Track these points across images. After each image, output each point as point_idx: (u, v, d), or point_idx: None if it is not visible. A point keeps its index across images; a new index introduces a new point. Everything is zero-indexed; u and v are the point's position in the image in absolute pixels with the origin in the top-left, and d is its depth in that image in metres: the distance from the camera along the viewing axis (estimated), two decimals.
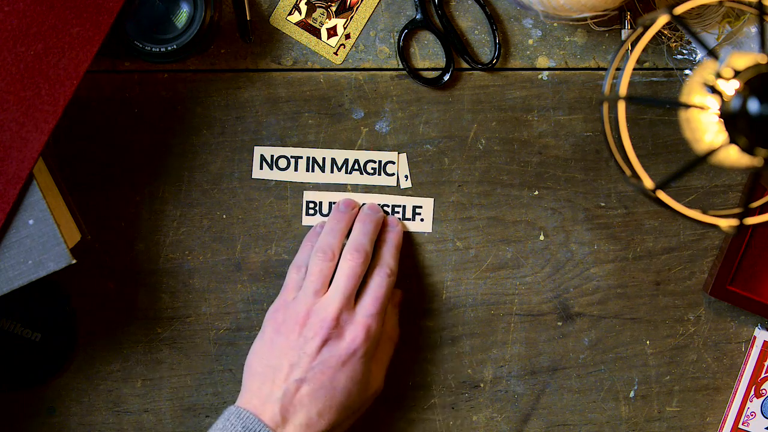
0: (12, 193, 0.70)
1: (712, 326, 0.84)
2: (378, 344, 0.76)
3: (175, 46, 0.74)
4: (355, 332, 0.74)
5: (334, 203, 0.81)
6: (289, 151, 0.80)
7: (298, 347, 0.73)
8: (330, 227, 0.78)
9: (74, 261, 0.70)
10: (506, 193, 0.82)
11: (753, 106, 0.57)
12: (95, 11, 0.70)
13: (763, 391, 0.83)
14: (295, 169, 0.81)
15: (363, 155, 0.81)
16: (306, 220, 0.81)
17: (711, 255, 0.83)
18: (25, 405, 0.82)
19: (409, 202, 0.81)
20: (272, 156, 0.80)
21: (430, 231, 0.82)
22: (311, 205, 0.81)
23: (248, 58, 0.80)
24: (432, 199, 0.81)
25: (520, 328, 0.83)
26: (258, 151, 0.80)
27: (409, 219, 0.82)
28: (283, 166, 0.81)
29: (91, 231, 0.80)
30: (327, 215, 0.81)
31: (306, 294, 0.75)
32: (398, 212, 0.81)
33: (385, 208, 0.81)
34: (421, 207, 0.81)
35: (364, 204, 0.81)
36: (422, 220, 0.82)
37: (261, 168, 0.81)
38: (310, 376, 0.72)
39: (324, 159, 0.81)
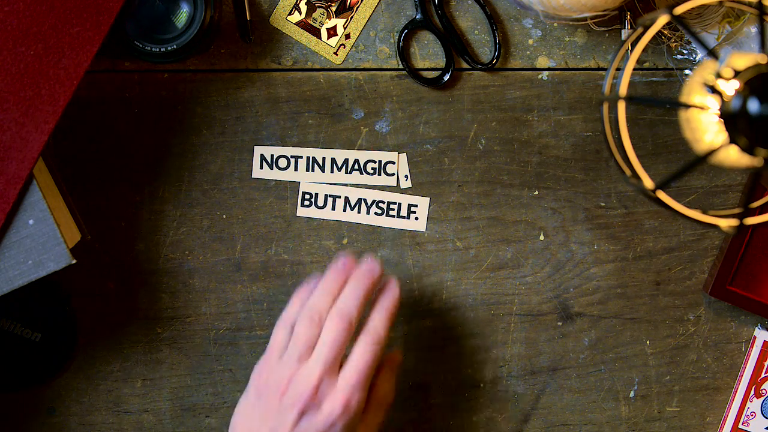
0: (12, 193, 0.69)
1: (712, 326, 0.84)
2: (368, 410, 0.73)
3: (175, 46, 0.74)
4: (333, 405, 0.70)
5: (330, 197, 0.80)
6: (289, 151, 0.80)
7: (278, 415, 0.70)
8: (324, 287, 0.73)
9: (74, 261, 0.70)
10: (506, 193, 0.82)
11: (753, 106, 0.57)
12: (95, 11, 0.70)
13: (763, 391, 0.83)
14: (295, 169, 0.81)
15: (363, 155, 0.81)
16: (301, 212, 0.81)
17: (711, 255, 0.83)
18: (25, 405, 0.82)
19: (405, 200, 0.81)
20: (272, 156, 0.80)
21: (424, 230, 0.82)
22: (307, 197, 0.81)
23: (248, 58, 0.80)
24: (428, 199, 0.81)
25: (520, 328, 0.83)
26: (258, 150, 0.80)
27: (404, 217, 0.82)
28: (283, 166, 0.81)
29: (91, 231, 0.80)
30: (322, 208, 0.81)
31: (290, 359, 0.71)
32: (393, 209, 0.81)
33: (381, 204, 0.81)
34: (416, 206, 0.81)
35: (365, 258, 0.75)
36: (417, 218, 0.82)
37: (261, 167, 0.81)
38: None
39: (324, 159, 0.81)
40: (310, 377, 0.70)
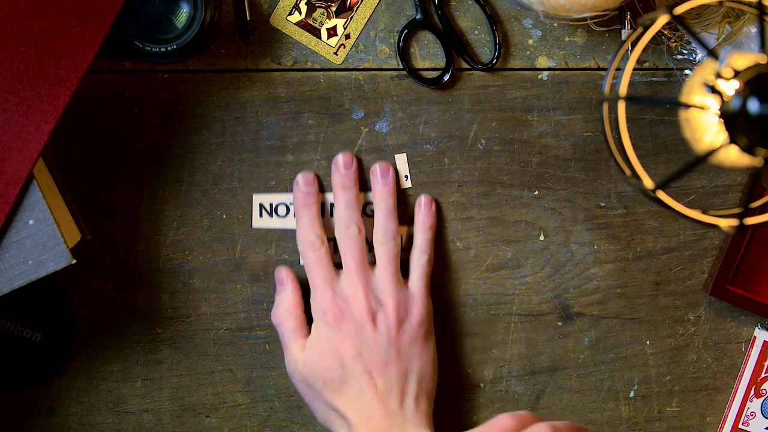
0: (12, 193, 0.69)
1: (712, 326, 0.84)
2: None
3: (175, 46, 0.74)
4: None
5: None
6: (289, 198, 0.80)
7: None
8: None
9: (74, 261, 0.70)
10: (506, 193, 0.82)
11: (753, 106, 0.57)
12: (95, 11, 0.70)
13: (763, 391, 0.83)
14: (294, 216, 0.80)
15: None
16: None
17: (711, 255, 0.83)
18: (25, 405, 0.82)
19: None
20: (271, 204, 0.80)
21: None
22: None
23: (248, 58, 0.80)
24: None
25: (520, 328, 0.83)
26: (257, 199, 0.80)
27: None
28: (283, 214, 0.81)
29: (91, 231, 0.80)
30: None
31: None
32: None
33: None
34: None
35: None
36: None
37: (261, 216, 0.81)
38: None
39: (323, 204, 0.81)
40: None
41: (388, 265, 0.77)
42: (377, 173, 0.79)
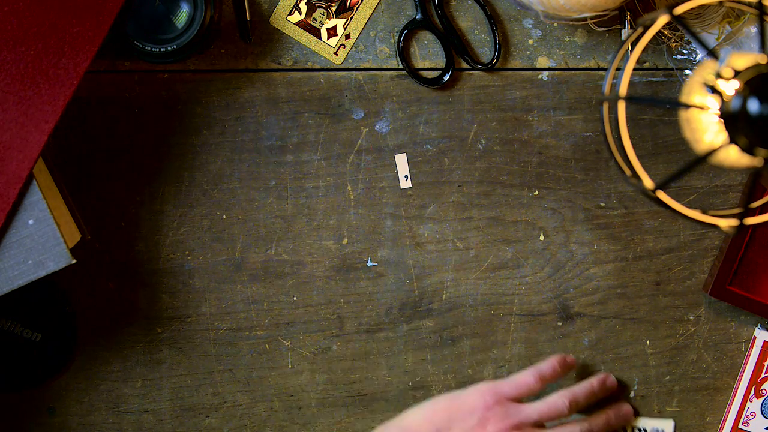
0: (12, 193, 0.69)
1: (712, 326, 0.84)
2: None
3: (175, 46, 0.74)
4: None
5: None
6: None
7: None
8: (588, 387, 0.80)
9: (74, 261, 0.70)
10: (506, 193, 0.82)
11: (753, 106, 0.57)
12: (95, 11, 0.70)
13: (763, 391, 0.83)
14: None
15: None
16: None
17: (711, 255, 0.83)
18: (25, 405, 0.81)
19: (648, 424, 0.83)
20: None
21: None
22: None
23: (248, 58, 0.80)
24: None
25: (520, 328, 0.83)
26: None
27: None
28: None
29: (91, 231, 0.80)
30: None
31: (529, 413, 0.77)
32: None
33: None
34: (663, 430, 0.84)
35: (606, 376, 0.82)
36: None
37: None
38: None
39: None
40: (525, 414, 0.77)
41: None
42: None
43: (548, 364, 0.80)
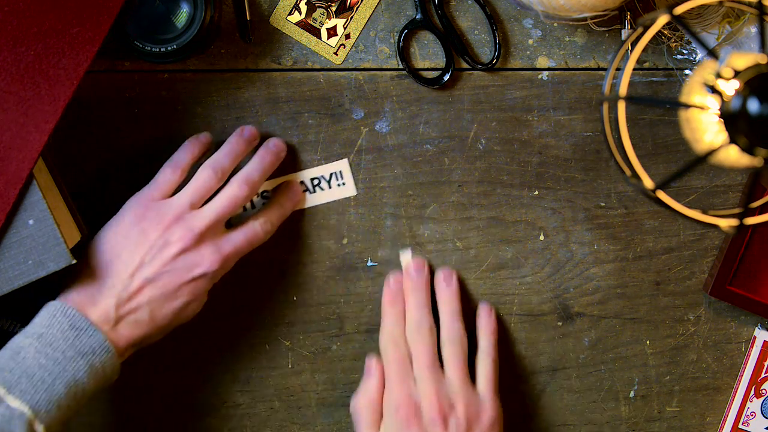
0: (12, 193, 0.69)
1: (712, 326, 0.84)
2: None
3: (175, 46, 0.74)
4: (214, 256, 0.73)
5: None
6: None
7: (156, 247, 0.72)
8: (228, 149, 0.76)
9: (74, 261, 0.70)
10: (506, 193, 0.82)
11: (753, 106, 0.57)
12: (95, 11, 0.70)
13: (763, 391, 0.83)
14: None
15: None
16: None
17: (711, 255, 0.83)
18: None
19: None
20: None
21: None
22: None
23: (248, 58, 0.80)
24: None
25: (520, 328, 0.83)
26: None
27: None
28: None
29: (91, 231, 0.80)
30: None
31: (181, 201, 0.73)
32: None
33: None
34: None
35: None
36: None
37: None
38: (159, 278, 0.71)
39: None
40: (202, 221, 0.73)
41: (456, 366, 0.77)
42: (441, 279, 0.81)
43: (182, 150, 0.76)
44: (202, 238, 0.73)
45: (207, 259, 0.73)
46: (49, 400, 0.66)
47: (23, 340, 0.68)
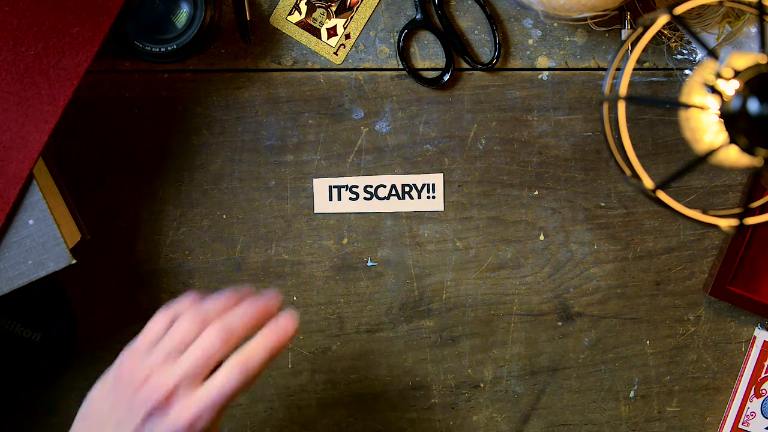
0: (12, 193, 0.69)
1: (712, 326, 0.84)
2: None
3: (175, 46, 0.74)
4: (180, 415, 0.64)
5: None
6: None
7: (128, 410, 0.66)
8: (219, 299, 0.68)
9: (74, 261, 0.70)
10: (506, 193, 0.82)
11: (753, 106, 0.57)
12: (95, 11, 0.70)
13: (763, 391, 0.83)
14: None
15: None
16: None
17: (711, 255, 0.83)
18: (25, 405, 0.81)
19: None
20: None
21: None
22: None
23: (248, 58, 0.80)
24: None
25: (520, 328, 0.83)
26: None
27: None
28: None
29: (91, 231, 0.80)
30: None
31: (157, 354, 0.66)
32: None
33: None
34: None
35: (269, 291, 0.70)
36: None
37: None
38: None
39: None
40: (167, 379, 0.65)
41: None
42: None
43: (180, 303, 0.67)
44: (169, 396, 0.64)
45: (171, 421, 0.65)
46: None
47: None
